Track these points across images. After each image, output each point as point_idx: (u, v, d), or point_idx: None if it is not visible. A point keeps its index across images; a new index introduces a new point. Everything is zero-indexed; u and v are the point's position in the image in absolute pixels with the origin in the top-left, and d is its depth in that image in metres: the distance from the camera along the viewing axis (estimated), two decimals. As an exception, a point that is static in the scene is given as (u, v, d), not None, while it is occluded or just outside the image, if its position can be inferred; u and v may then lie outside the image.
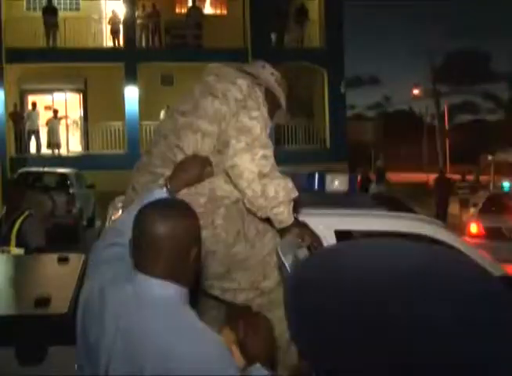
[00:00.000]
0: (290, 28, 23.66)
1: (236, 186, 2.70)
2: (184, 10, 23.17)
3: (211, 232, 2.72)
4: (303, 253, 2.66)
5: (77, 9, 23.15)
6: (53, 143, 20.84)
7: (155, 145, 2.87)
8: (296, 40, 23.40)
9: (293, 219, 2.72)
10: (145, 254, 1.81)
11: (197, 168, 2.68)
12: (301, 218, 3.28)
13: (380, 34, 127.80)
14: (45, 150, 21.25)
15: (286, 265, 2.62)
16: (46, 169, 16.45)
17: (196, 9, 22.30)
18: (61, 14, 21.63)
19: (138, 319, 1.72)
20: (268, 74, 2.98)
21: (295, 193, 2.71)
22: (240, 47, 22.07)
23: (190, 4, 22.62)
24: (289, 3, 24.35)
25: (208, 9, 24.39)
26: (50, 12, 21.16)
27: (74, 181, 15.16)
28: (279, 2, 22.64)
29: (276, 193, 2.64)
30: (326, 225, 3.26)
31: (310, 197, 3.49)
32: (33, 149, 21.35)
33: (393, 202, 3.97)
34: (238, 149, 2.64)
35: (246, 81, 2.78)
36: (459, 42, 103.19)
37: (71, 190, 14.65)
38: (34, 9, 22.48)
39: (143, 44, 22.24)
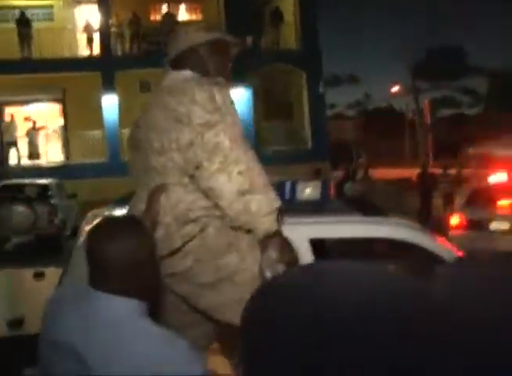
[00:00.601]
0: (266, 31, 23.70)
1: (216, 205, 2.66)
2: (158, 17, 23.14)
3: (200, 241, 2.70)
4: (281, 269, 2.65)
5: (51, 19, 23.03)
6: (33, 154, 20.71)
7: (136, 175, 2.84)
8: (272, 42, 23.43)
9: (276, 227, 2.68)
10: (94, 272, 1.84)
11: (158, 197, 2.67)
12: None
13: (358, 32, 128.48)
14: (25, 161, 21.11)
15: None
16: (26, 181, 16.34)
17: (170, 16, 22.26)
18: (35, 25, 21.50)
19: (93, 340, 1.73)
20: (195, 32, 2.86)
21: (278, 203, 2.66)
22: (217, 51, 22.04)
23: (165, 11, 22.56)
24: (263, 6, 24.39)
25: (183, 15, 24.36)
26: (24, 23, 21.05)
27: (56, 191, 15.09)
28: (254, 6, 22.65)
29: (259, 208, 2.57)
30: (300, 234, 3.26)
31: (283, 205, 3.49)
32: (13, 160, 21.19)
33: (368, 207, 3.97)
34: (212, 170, 2.55)
35: (204, 92, 2.64)
36: (436, 38, 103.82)
37: (53, 201, 14.61)
38: (7, 20, 22.30)
39: (119, 52, 22.15)
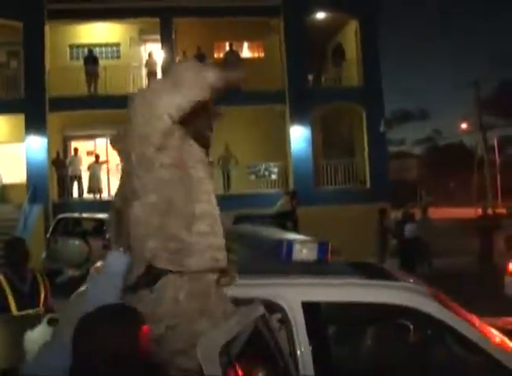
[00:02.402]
0: (328, 68, 23.74)
1: None
2: (222, 55, 23.49)
3: (172, 307, 2.65)
4: None
5: (118, 57, 23.79)
6: (95, 188, 21.17)
7: None
8: (333, 80, 23.43)
9: None
10: (76, 363, 1.87)
11: None
12: (266, 289, 3.18)
13: (429, 66, 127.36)
14: (86, 195, 21.63)
15: None
16: (84, 215, 16.72)
17: (233, 53, 22.57)
18: (102, 62, 22.26)
19: None
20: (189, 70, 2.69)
21: None
22: (278, 89, 22.20)
23: (227, 48, 22.89)
24: (325, 43, 24.48)
25: (246, 53, 24.70)
26: (91, 61, 21.80)
27: (112, 226, 15.35)
28: (316, 43, 22.74)
29: None
30: (291, 296, 3.14)
31: (279, 266, 3.38)
32: (75, 194, 21.77)
33: (372, 269, 3.80)
34: None
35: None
36: (505, 72, 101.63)
37: (108, 235, 14.85)
38: (77, 58, 23.20)
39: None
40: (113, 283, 2.47)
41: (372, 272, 3.57)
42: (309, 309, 3.15)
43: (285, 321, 3.15)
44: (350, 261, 3.76)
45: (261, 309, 2.92)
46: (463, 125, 45.18)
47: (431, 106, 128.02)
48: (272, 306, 3.14)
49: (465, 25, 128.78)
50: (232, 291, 2.97)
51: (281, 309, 3.15)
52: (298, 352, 3.05)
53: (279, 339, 2.99)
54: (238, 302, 2.89)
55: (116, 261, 2.54)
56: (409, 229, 15.71)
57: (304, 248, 3.33)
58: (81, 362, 1.85)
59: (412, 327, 3.88)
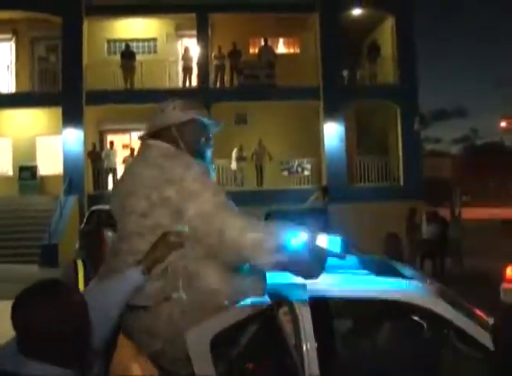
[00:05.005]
0: (363, 65, 23.60)
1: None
2: (257, 50, 23.53)
3: (168, 324, 2.73)
4: None
5: (155, 51, 24.01)
6: (129, 181, 21.38)
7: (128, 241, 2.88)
8: (368, 76, 23.28)
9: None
10: (18, 338, 1.91)
11: (164, 245, 2.72)
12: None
13: (464, 64, 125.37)
14: (121, 188, 21.87)
15: None
16: (117, 207, 16.95)
17: (267, 49, 22.60)
18: (139, 57, 22.49)
19: None
20: (171, 111, 3.00)
21: None
22: (313, 85, 22.17)
23: (262, 44, 22.91)
24: (361, 40, 24.34)
25: (281, 49, 24.69)
26: (128, 56, 22.04)
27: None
28: (351, 40, 22.64)
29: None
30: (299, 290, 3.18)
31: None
32: (110, 186, 22.05)
33: (382, 266, 3.81)
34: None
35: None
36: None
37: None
38: (114, 52, 23.48)
39: (218, 84, 22.67)
40: (123, 291, 2.56)
41: (381, 268, 3.59)
42: (316, 304, 3.18)
43: (292, 315, 3.19)
44: (360, 256, 3.79)
45: (268, 303, 2.97)
46: (503, 124, 44.42)
47: (469, 105, 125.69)
48: (279, 300, 3.19)
49: (503, 22, 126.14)
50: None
51: (288, 303, 3.19)
52: (304, 347, 3.09)
53: (285, 333, 3.05)
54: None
55: (133, 275, 2.62)
56: (428, 229, 15.50)
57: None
58: (20, 336, 1.90)
59: (425, 324, 3.90)
